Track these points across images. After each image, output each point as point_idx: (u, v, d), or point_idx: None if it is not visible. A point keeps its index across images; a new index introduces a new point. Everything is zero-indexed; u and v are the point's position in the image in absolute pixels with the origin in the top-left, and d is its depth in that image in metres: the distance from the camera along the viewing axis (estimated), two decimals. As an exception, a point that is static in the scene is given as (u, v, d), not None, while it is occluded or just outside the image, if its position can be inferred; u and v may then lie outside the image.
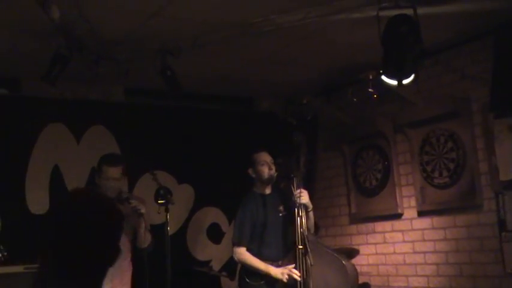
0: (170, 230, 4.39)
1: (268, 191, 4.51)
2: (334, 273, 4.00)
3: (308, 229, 4.22)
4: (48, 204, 5.15)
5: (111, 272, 4.19)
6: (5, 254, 3.93)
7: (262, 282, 4.21)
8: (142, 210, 4.18)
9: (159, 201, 4.25)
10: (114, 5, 3.75)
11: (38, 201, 5.13)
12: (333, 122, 6.14)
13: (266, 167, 4.43)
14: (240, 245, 4.34)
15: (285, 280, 4.05)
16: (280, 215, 4.41)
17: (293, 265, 4.06)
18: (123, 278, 4.30)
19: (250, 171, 4.49)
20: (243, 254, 4.31)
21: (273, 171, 4.43)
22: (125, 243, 4.32)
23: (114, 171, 4.25)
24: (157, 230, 4.46)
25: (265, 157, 4.46)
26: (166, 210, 4.23)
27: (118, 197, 4.24)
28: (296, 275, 4.02)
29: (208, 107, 6.13)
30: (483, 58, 4.61)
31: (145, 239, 4.30)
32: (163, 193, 4.25)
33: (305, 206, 4.14)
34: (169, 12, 3.90)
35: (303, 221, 4.00)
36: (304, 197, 4.14)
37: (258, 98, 6.46)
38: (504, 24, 4.20)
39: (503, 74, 4.18)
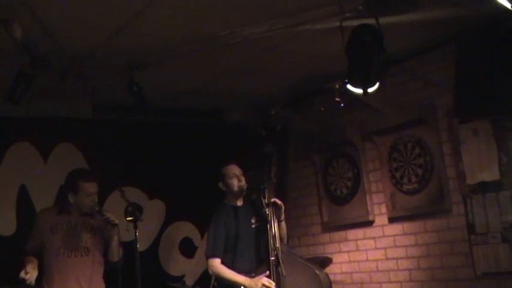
0: (142, 246, 4.37)
1: (239, 203, 4.51)
2: (307, 283, 4.01)
3: (281, 239, 4.23)
4: (15, 225, 5.07)
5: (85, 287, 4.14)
6: None
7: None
8: (116, 221, 4.16)
9: (127, 218, 4.22)
10: (78, 21, 3.71)
11: (5, 222, 5.04)
12: (302, 132, 6.18)
13: (236, 179, 4.44)
14: (214, 256, 4.31)
15: None
16: (253, 226, 4.41)
17: (267, 273, 4.05)
18: None
19: (220, 184, 4.50)
20: (218, 266, 4.29)
21: (243, 183, 4.43)
22: (98, 257, 4.28)
23: (93, 186, 4.26)
24: (128, 247, 4.41)
25: (234, 170, 4.47)
26: (135, 227, 4.20)
27: (92, 210, 4.22)
28: (270, 284, 4.01)
29: (178, 121, 6.11)
30: (446, 65, 4.68)
31: (118, 252, 4.26)
32: (131, 210, 4.22)
33: (277, 215, 4.15)
34: (135, 28, 3.88)
35: (275, 231, 4.01)
36: (278, 202, 4.16)
37: (228, 110, 6.46)
38: (465, 31, 4.29)
39: (466, 80, 4.26)
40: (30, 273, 3.98)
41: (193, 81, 5.21)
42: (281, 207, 4.21)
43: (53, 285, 4.11)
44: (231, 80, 5.27)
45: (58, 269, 4.12)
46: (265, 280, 4.05)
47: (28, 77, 3.99)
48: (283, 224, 4.29)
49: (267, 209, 4.06)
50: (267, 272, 4.05)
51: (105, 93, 4.80)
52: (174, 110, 6.02)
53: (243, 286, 4.15)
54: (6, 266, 4.74)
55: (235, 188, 4.42)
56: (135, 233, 4.19)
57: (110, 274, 4.35)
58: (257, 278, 4.11)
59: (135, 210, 4.23)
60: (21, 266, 4.05)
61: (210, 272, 4.36)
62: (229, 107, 6.40)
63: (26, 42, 3.65)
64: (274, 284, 4.00)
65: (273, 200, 4.09)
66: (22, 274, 3.97)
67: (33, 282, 4.00)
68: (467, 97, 4.31)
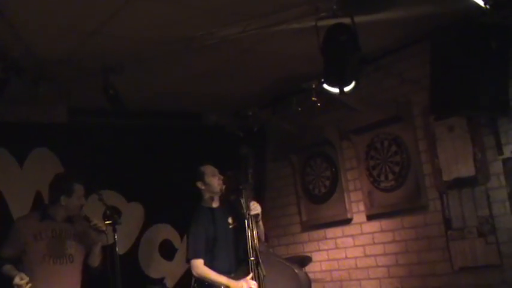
0: (121, 249, 4.35)
1: (216, 204, 4.49)
2: (286, 282, 4.02)
3: (259, 238, 4.23)
4: (-8, 231, 5.00)
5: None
6: None
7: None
8: (104, 228, 4.13)
9: (106, 222, 4.19)
10: (51, 24, 3.68)
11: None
12: (279, 132, 6.19)
13: (216, 177, 4.43)
14: (196, 257, 4.29)
15: None
16: (230, 227, 4.40)
17: (250, 275, 4.05)
18: None
19: (199, 184, 4.45)
20: (201, 267, 4.26)
21: (221, 183, 4.43)
22: (80, 263, 4.24)
23: (82, 188, 4.24)
24: (107, 251, 4.38)
25: (213, 169, 4.47)
26: (114, 231, 4.17)
27: (78, 213, 4.19)
28: (255, 286, 4.01)
29: (156, 123, 6.08)
30: (421, 62, 4.72)
31: (99, 258, 4.24)
32: (109, 213, 4.19)
33: (255, 217, 4.15)
34: (109, 30, 3.86)
35: (253, 232, 4.01)
36: (256, 209, 4.15)
37: (205, 112, 6.45)
38: (439, 28, 4.33)
39: (441, 77, 4.30)
40: (26, 280, 3.93)
41: (170, 83, 5.19)
42: (258, 214, 4.20)
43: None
44: (208, 82, 5.27)
45: (43, 277, 4.06)
46: (252, 284, 4.05)
47: (1, 81, 3.95)
48: (261, 223, 4.29)
49: (246, 212, 4.06)
50: (251, 274, 4.04)
51: (80, 97, 4.77)
52: (151, 113, 5.99)
53: (227, 287, 4.14)
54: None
55: (216, 186, 4.40)
56: (114, 236, 4.16)
57: (90, 279, 4.31)
58: (243, 280, 4.10)
59: (113, 214, 4.20)
60: (6, 275, 3.99)
61: (194, 273, 4.33)
62: (207, 109, 6.38)
63: (-2, 47, 3.61)
64: (256, 285, 3.99)
65: (250, 213, 4.07)
66: (17, 280, 3.89)
67: None
68: (442, 94, 4.35)
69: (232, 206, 4.46)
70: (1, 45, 3.64)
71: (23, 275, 3.92)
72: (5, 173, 5.17)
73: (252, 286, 4.03)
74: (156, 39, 4.08)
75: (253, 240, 3.95)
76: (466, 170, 4.53)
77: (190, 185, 4.57)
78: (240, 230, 4.19)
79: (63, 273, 4.13)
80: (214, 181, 4.43)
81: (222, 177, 4.46)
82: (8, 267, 4.06)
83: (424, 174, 4.86)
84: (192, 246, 4.35)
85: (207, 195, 4.47)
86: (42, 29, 3.74)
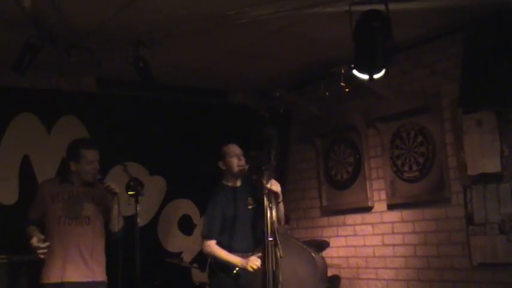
0: (141, 221, 4.39)
1: (238, 183, 4.50)
2: (303, 265, 4.02)
3: (278, 221, 4.24)
4: (17, 194, 5.10)
5: (86, 256, 4.17)
6: None
7: (232, 274, 4.22)
8: (117, 190, 4.17)
9: (129, 193, 4.23)
10: (86, -6, 3.72)
11: (7, 191, 5.08)
12: (305, 115, 6.18)
13: (236, 158, 4.42)
14: (209, 238, 4.33)
15: (250, 270, 4.06)
16: (250, 207, 4.41)
17: (259, 254, 4.07)
18: (98, 263, 4.28)
19: (220, 163, 4.48)
20: (212, 246, 4.31)
21: (243, 163, 4.43)
22: (99, 227, 4.31)
23: (94, 154, 4.26)
24: (128, 222, 4.45)
25: (234, 149, 4.46)
26: (136, 202, 4.22)
27: (93, 178, 4.24)
28: (258, 263, 4.01)
29: (182, 98, 6.12)
30: (453, 54, 4.67)
31: (118, 222, 4.29)
32: (133, 184, 4.23)
33: (275, 197, 4.15)
34: (142, 4, 3.88)
35: (273, 213, 4.01)
36: (275, 186, 4.14)
37: (232, 90, 6.46)
38: (473, 20, 4.27)
39: (472, 70, 4.24)
40: (43, 240, 4.02)
41: (199, 59, 5.21)
42: (278, 194, 4.20)
43: (54, 253, 4.13)
44: (237, 61, 5.27)
45: (59, 238, 4.14)
46: (253, 259, 4.06)
47: (35, 48, 4.00)
48: (281, 205, 4.29)
49: (265, 192, 4.06)
50: (260, 254, 4.06)
51: (109, 68, 4.80)
52: (178, 88, 6.03)
53: (236, 265, 4.18)
54: (8, 235, 4.80)
55: (235, 167, 4.42)
56: (136, 207, 4.21)
57: (110, 246, 4.38)
58: (248, 258, 4.13)
59: (136, 185, 4.25)
60: (28, 236, 4.08)
61: (204, 251, 4.39)
62: (234, 88, 6.39)
63: (34, 13, 3.64)
64: (259, 262, 4.01)
65: (268, 187, 4.06)
66: (34, 241, 3.99)
67: (46, 249, 4.03)
68: (472, 87, 4.30)
69: (254, 186, 4.48)
70: (38, 12, 3.67)
71: (40, 236, 4.02)
72: (32, 138, 5.27)
73: (256, 263, 4.04)
74: (187, 16, 4.09)
75: (272, 221, 3.96)
76: (492, 165, 4.47)
77: (213, 162, 4.60)
78: (259, 211, 4.21)
79: (79, 234, 4.17)
80: (234, 162, 4.43)
81: (243, 158, 4.46)
82: (31, 228, 4.16)
83: (449, 167, 4.82)
84: (206, 225, 4.39)
85: (228, 175, 4.49)
86: (78, -1, 3.77)
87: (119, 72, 5.00)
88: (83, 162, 4.23)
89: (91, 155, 4.24)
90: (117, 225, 4.27)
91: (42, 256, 4.03)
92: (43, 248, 4.01)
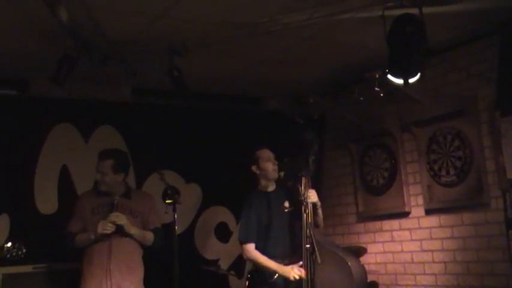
0: (178, 229, 4.42)
1: (271, 188, 4.49)
2: (339, 273, 3.97)
3: (317, 226, 4.22)
4: (57, 204, 5.20)
5: (123, 268, 4.24)
6: (23, 251, 3.92)
7: (272, 280, 4.20)
8: (121, 222, 4.21)
9: (166, 201, 4.28)
10: (121, 6, 3.77)
11: (46, 201, 5.18)
12: (339, 121, 6.15)
13: (271, 163, 4.42)
14: (247, 241, 4.31)
15: (292, 279, 4.04)
16: (286, 211, 4.38)
17: (300, 263, 4.04)
18: (136, 275, 4.33)
19: (254, 168, 4.45)
20: (252, 251, 4.28)
21: (277, 168, 4.42)
22: (134, 239, 4.36)
23: (99, 164, 4.35)
24: (166, 229, 4.49)
25: (269, 153, 4.45)
26: (174, 210, 4.26)
27: (103, 188, 4.35)
28: (302, 273, 3.99)
29: (216, 106, 6.16)
30: (489, 56, 4.61)
31: (144, 240, 4.36)
32: (170, 193, 4.28)
33: (314, 205, 4.13)
34: (176, 13, 3.92)
35: (310, 219, 3.99)
36: (312, 197, 4.12)
37: (265, 97, 6.48)
38: (509, 22, 4.20)
39: (509, 72, 4.18)
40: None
41: (232, 67, 5.24)
42: (316, 203, 4.17)
43: (92, 264, 4.20)
44: (270, 68, 5.28)
45: (98, 250, 4.21)
46: (296, 269, 4.04)
47: (72, 59, 4.08)
48: (320, 211, 4.27)
49: (303, 199, 4.03)
50: (301, 262, 4.03)
51: (145, 78, 4.87)
52: (212, 96, 6.06)
53: (276, 272, 4.16)
54: (47, 244, 4.88)
55: (271, 171, 4.40)
56: (174, 215, 4.25)
57: (148, 256, 4.44)
58: (290, 266, 4.11)
59: (174, 194, 4.29)
60: (82, 240, 4.24)
61: (245, 257, 4.37)
62: (267, 94, 6.41)
63: (70, 25, 3.72)
64: (304, 273, 3.97)
65: (306, 201, 4.04)
66: (100, 228, 4.13)
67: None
68: (510, 90, 4.23)
69: (289, 191, 4.45)
70: (74, 24, 3.75)
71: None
72: (71, 148, 5.37)
73: (299, 273, 4.02)
74: (220, 24, 4.12)
75: (309, 228, 3.93)
76: (532, 169, 4.39)
77: (248, 169, 4.61)
78: (296, 216, 4.18)
79: (117, 246, 4.24)
80: (268, 166, 4.42)
81: (276, 162, 4.45)
82: (79, 236, 4.27)
83: (487, 171, 4.74)
84: (243, 229, 4.38)
85: (261, 180, 4.48)
86: (113, 11, 3.83)
87: (153, 81, 5.07)
88: (97, 173, 4.32)
89: (98, 166, 4.35)
90: (145, 242, 4.35)
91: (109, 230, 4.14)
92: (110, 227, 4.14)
